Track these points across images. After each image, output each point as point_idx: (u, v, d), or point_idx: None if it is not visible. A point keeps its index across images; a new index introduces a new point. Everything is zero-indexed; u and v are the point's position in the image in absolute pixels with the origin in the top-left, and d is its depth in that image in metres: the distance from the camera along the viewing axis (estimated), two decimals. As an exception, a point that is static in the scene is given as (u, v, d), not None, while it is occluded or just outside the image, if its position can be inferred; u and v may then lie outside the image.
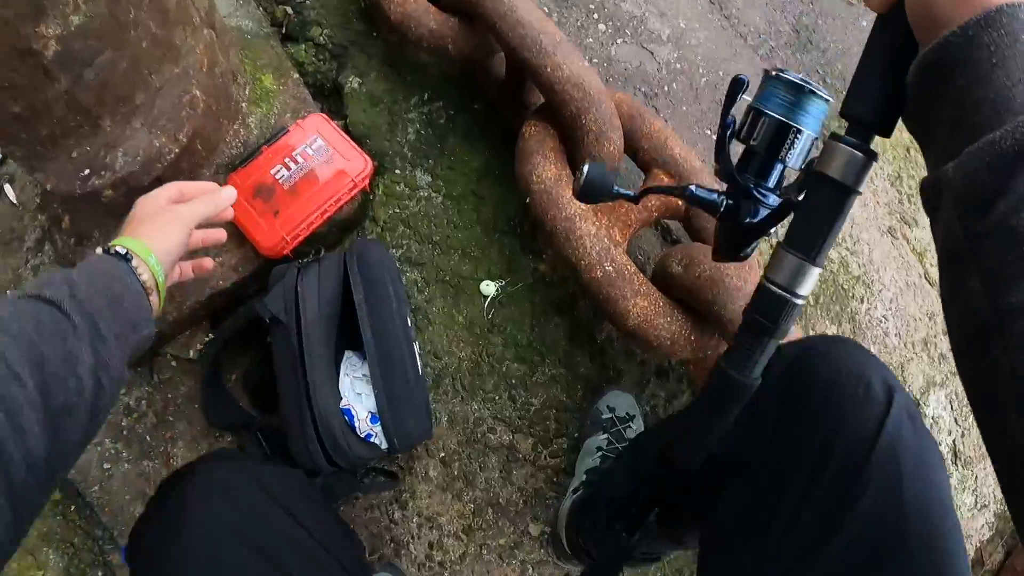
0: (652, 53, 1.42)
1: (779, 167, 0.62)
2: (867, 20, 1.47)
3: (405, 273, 1.24)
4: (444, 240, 1.25)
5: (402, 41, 1.26)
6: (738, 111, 0.61)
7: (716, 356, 1.05)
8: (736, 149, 0.61)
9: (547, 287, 1.24)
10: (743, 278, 1.00)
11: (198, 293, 1.13)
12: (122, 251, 0.69)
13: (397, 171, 1.27)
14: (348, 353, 1.09)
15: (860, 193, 0.53)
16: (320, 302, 1.06)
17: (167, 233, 0.75)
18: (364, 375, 1.05)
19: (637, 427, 1.17)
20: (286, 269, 1.09)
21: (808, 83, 0.58)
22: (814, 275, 0.55)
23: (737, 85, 0.61)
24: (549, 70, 1.06)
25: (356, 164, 1.15)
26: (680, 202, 1.13)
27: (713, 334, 1.07)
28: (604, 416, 1.16)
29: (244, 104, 1.22)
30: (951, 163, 0.39)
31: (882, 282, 1.42)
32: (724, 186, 0.65)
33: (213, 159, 1.17)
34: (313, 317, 1.03)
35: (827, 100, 0.59)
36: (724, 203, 0.63)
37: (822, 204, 0.53)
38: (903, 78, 0.47)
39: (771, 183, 0.63)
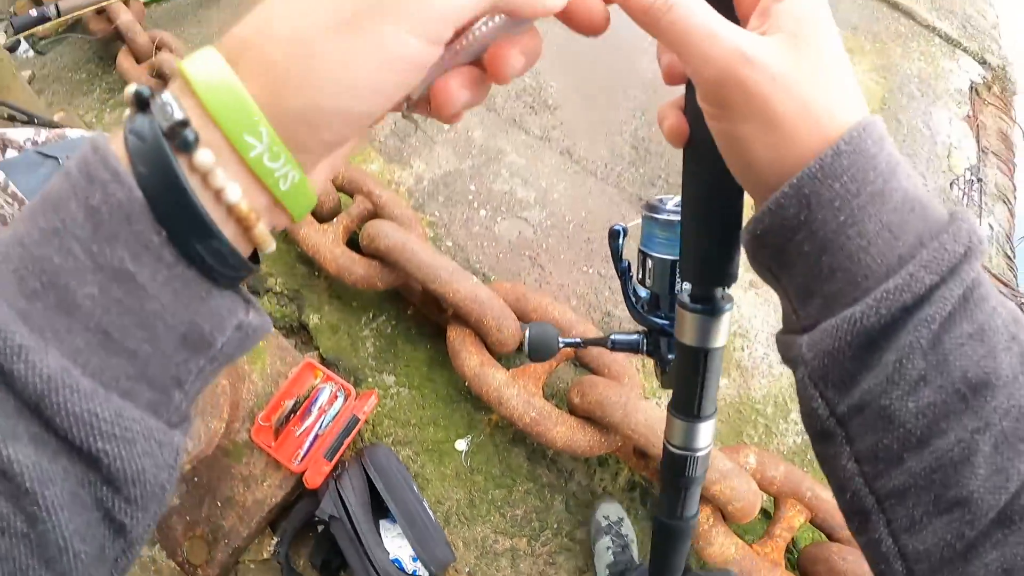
0: (526, 220, 1.87)
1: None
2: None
3: (399, 452, 1.67)
4: (418, 420, 1.68)
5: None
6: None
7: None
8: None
9: (501, 430, 1.68)
10: (624, 395, 1.43)
11: (259, 511, 1.56)
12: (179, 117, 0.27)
13: (370, 380, 1.70)
14: (382, 522, 1.52)
15: None
16: (357, 497, 1.50)
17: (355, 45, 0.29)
18: (399, 533, 1.49)
19: (627, 525, 1.56)
20: (324, 491, 1.52)
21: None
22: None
23: (614, 237, 0.60)
24: (451, 293, 1.50)
25: (363, 401, 1.58)
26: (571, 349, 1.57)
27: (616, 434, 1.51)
28: (603, 524, 1.55)
29: (246, 366, 1.66)
30: (804, 337, 0.34)
31: (755, 328, 1.84)
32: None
33: (238, 414, 1.61)
34: (358, 508, 1.47)
35: None
36: (643, 344, 0.64)
37: None
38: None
39: None
